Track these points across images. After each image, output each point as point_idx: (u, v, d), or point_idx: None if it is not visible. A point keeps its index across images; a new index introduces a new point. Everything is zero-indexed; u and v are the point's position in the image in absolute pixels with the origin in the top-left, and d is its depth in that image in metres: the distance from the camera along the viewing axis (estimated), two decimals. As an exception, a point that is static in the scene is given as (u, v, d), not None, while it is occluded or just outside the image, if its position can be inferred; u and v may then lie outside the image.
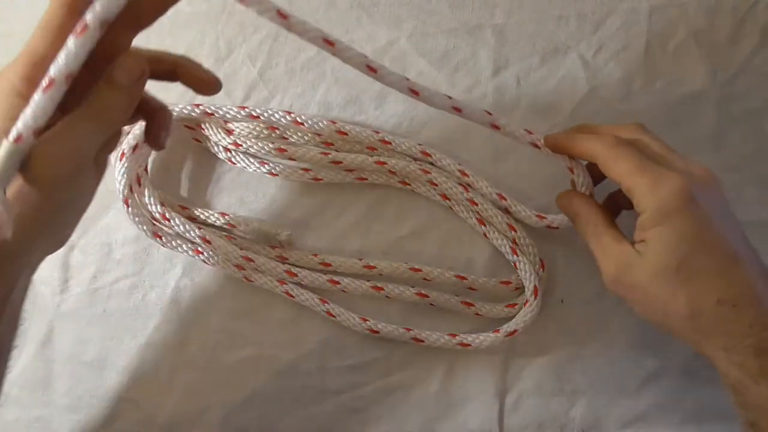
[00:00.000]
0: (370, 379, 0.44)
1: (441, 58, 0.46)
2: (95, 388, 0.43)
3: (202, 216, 0.44)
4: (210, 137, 0.44)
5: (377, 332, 0.43)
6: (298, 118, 0.43)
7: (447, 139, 0.46)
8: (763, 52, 0.46)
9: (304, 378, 0.44)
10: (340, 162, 0.44)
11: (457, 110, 0.36)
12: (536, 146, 0.39)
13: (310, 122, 0.43)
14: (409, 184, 0.45)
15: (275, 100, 0.46)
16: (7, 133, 0.27)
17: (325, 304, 0.43)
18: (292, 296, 0.43)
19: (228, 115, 0.43)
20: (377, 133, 0.44)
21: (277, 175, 0.44)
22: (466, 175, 0.44)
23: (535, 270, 0.43)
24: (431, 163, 0.45)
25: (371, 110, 0.46)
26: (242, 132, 0.44)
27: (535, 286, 0.42)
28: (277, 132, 0.44)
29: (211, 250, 0.43)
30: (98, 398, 0.43)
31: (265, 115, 0.43)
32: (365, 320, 0.43)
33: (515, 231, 0.43)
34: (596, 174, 0.39)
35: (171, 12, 0.47)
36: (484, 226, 0.44)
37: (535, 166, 0.45)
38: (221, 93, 0.46)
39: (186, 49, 0.47)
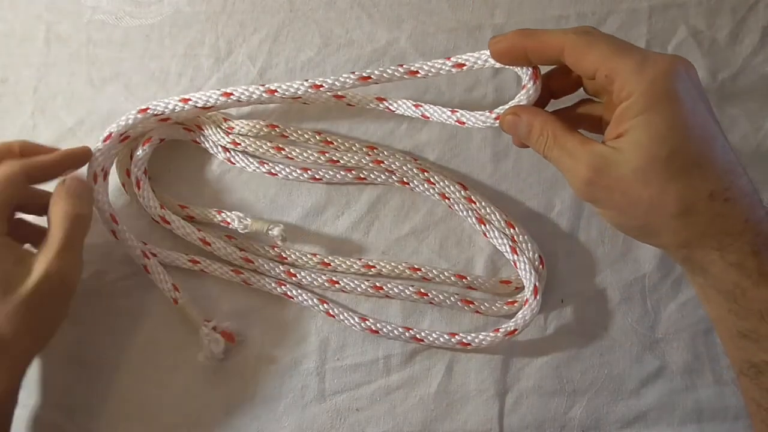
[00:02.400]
0: (370, 379, 0.44)
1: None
2: (95, 388, 0.43)
3: (201, 215, 0.44)
4: (209, 137, 0.44)
5: (377, 332, 0.43)
6: (316, 82, 0.41)
7: (447, 139, 0.46)
8: (763, 52, 0.46)
9: (304, 378, 0.44)
10: (337, 161, 0.44)
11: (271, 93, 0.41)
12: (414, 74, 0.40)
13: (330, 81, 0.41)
14: (407, 183, 0.45)
15: (275, 100, 0.46)
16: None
17: (324, 305, 0.43)
18: (290, 297, 0.43)
19: (243, 97, 0.42)
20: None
21: (276, 174, 0.44)
22: (464, 187, 0.44)
23: (535, 268, 0.43)
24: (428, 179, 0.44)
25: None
26: (241, 130, 0.44)
27: (534, 285, 0.42)
28: (277, 130, 0.44)
29: (208, 260, 0.43)
30: (98, 398, 0.43)
31: (282, 88, 0.41)
32: (365, 320, 0.43)
33: (513, 228, 0.43)
34: (554, 88, 0.37)
35: (171, 12, 0.47)
36: (484, 225, 0.44)
37: (535, 166, 0.45)
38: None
39: (186, 48, 0.47)
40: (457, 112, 0.40)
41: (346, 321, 0.43)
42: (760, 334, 0.30)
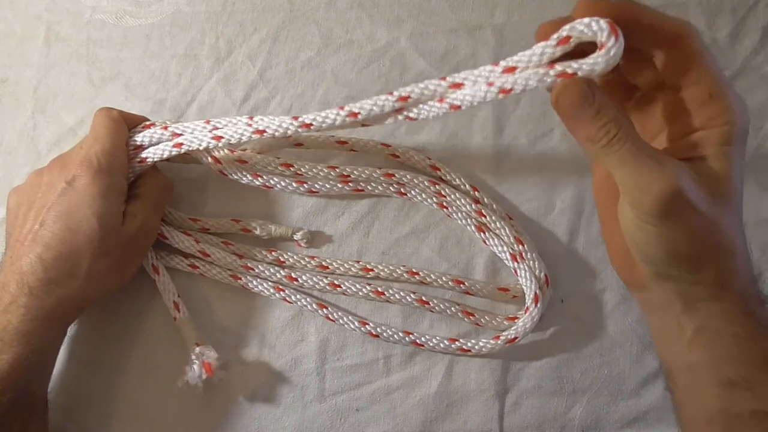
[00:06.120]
0: (370, 379, 0.44)
1: (441, 58, 0.46)
2: (95, 388, 0.43)
3: (215, 226, 0.44)
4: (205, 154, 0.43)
5: (377, 336, 0.43)
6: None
7: (448, 139, 0.46)
8: (763, 52, 0.46)
9: (304, 378, 0.44)
10: (348, 176, 0.43)
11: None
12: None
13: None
14: (406, 194, 0.44)
15: (275, 101, 0.46)
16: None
17: (324, 309, 0.43)
18: (290, 302, 0.43)
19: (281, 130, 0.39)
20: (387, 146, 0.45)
21: (271, 188, 0.43)
22: (476, 189, 0.44)
23: (536, 276, 0.43)
24: (440, 178, 0.44)
25: (371, 110, 0.46)
26: (253, 147, 0.44)
27: (536, 294, 0.42)
28: (290, 139, 0.44)
29: (208, 265, 0.43)
30: (98, 398, 0.43)
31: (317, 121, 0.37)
32: (365, 324, 0.43)
33: (522, 245, 0.43)
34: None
35: (171, 12, 0.47)
36: (483, 233, 0.44)
37: (536, 165, 0.45)
38: (221, 94, 0.47)
39: (186, 48, 0.47)
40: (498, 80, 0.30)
41: (346, 325, 0.43)
42: (756, 383, 0.30)
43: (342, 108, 0.36)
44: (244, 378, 0.44)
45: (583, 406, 0.44)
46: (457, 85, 0.32)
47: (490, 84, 0.31)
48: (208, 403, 0.43)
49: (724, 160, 0.29)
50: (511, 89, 0.30)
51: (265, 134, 0.38)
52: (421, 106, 0.34)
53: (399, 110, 0.35)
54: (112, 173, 0.39)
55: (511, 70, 0.30)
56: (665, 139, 0.32)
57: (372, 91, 0.46)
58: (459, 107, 0.32)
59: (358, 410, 0.44)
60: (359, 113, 0.35)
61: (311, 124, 0.37)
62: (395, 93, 0.34)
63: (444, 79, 0.33)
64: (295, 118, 0.37)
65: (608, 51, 0.27)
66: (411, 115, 0.35)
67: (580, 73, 0.28)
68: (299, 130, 0.37)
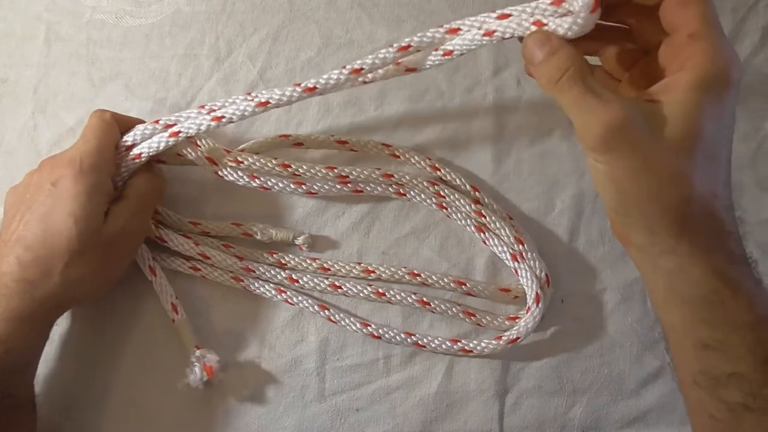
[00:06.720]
0: (370, 379, 0.44)
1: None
2: (95, 389, 0.43)
3: (216, 229, 0.44)
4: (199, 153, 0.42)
5: (379, 337, 0.43)
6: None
7: (448, 139, 0.46)
8: (763, 52, 0.46)
9: (304, 378, 0.44)
10: (347, 176, 0.43)
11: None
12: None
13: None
14: (405, 195, 0.44)
15: (275, 100, 0.46)
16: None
17: (326, 311, 0.43)
18: (292, 304, 0.43)
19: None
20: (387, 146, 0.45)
21: (269, 189, 0.43)
22: (476, 189, 0.44)
23: (537, 276, 0.43)
24: (440, 178, 0.44)
25: (371, 110, 0.46)
26: (252, 147, 0.44)
27: (537, 293, 0.42)
28: (290, 138, 0.44)
29: (209, 267, 0.43)
30: (97, 397, 0.43)
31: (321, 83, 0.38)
32: (367, 325, 0.43)
33: (522, 244, 0.43)
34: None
35: (171, 12, 0.47)
36: (483, 233, 0.44)
37: (536, 166, 0.45)
38: (221, 94, 0.47)
39: (186, 48, 0.47)
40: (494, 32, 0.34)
41: (348, 327, 0.43)
42: (728, 345, 0.30)
43: (344, 67, 0.37)
44: (244, 378, 0.44)
45: (583, 406, 0.44)
46: (454, 31, 0.35)
47: (479, 29, 0.34)
48: (207, 403, 0.43)
49: (687, 103, 0.29)
50: (493, 32, 0.33)
51: (269, 105, 0.38)
52: (419, 57, 0.37)
53: (399, 63, 0.37)
54: (97, 173, 0.38)
55: (504, 16, 0.33)
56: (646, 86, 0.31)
57: (371, 92, 0.46)
58: (451, 53, 0.36)
59: (358, 410, 0.44)
60: (362, 68, 0.37)
61: (315, 88, 0.38)
62: (395, 44, 0.36)
63: (441, 26, 0.35)
64: (297, 85, 0.38)
65: (576, 18, 0.30)
66: (411, 66, 0.37)
67: (550, 26, 0.31)
68: (303, 95, 0.38)
